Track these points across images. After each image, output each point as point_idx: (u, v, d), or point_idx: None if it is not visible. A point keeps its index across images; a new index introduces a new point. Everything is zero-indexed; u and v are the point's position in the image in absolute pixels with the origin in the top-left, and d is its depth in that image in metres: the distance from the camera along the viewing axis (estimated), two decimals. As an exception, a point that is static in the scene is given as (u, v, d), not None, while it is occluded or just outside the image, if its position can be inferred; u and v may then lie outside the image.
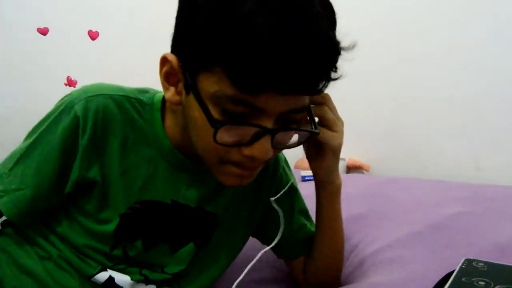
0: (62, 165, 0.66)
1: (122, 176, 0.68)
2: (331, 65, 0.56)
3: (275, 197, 0.75)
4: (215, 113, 0.55)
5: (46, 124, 0.66)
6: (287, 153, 0.78)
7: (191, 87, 0.57)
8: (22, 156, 0.67)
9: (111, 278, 0.71)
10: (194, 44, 0.55)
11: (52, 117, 0.66)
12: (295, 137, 0.65)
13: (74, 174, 0.66)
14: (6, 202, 0.67)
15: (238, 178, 0.63)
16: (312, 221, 0.86)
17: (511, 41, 1.51)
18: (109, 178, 0.67)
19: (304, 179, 1.43)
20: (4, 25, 1.80)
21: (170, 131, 0.69)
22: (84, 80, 1.97)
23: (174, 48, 0.60)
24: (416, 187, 1.33)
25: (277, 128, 0.57)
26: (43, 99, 1.83)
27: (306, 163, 0.78)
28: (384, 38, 1.72)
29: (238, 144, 0.58)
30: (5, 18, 1.79)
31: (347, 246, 0.92)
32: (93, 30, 2.00)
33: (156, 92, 0.71)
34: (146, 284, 0.74)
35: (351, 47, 0.57)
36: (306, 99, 0.59)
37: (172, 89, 0.62)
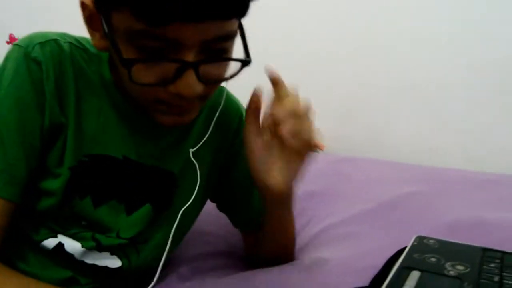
0: (40, 116, 0.60)
1: (75, 126, 0.63)
2: None
3: (194, 149, 0.70)
4: (131, 53, 0.52)
5: (3, 84, 0.59)
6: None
7: (104, 27, 0.54)
8: None
9: (60, 244, 0.65)
10: None
11: (8, 72, 0.59)
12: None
13: (45, 123, 0.60)
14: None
15: (174, 117, 0.59)
16: None
17: (472, 25, 1.53)
18: (67, 126, 0.62)
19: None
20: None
21: (119, 83, 0.64)
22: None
23: None
24: (371, 167, 1.34)
25: (198, 60, 0.52)
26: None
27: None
28: (346, 19, 1.70)
29: (163, 83, 0.54)
30: None
31: (299, 222, 0.91)
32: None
33: None
34: (100, 252, 0.68)
35: None
36: (232, 25, 0.54)
37: (97, 34, 0.58)
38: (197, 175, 0.71)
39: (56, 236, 0.65)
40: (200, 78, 0.53)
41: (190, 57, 0.52)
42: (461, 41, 1.54)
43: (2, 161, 0.59)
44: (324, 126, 1.75)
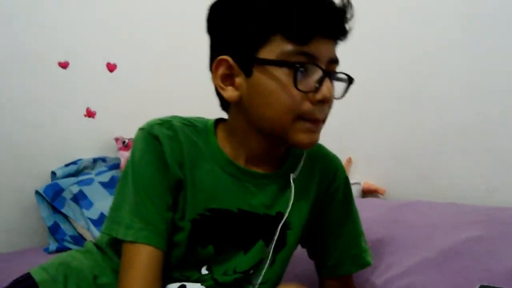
0: (166, 176, 0.74)
1: (192, 185, 0.75)
2: (351, 12, 0.70)
3: (296, 174, 0.80)
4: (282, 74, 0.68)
5: (136, 159, 0.75)
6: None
7: (256, 61, 0.69)
8: (131, 202, 0.73)
9: (183, 286, 0.78)
10: (248, 29, 0.69)
11: (137, 147, 0.75)
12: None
13: (171, 182, 0.74)
14: (147, 235, 0.72)
15: (310, 134, 0.71)
16: (368, 252, 0.90)
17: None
18: (186, 184, 0.75)
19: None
20: (25, 58, 1.85)
21: (225, 149, 0.78)
22: (103, 111, 2.04)
23: (222, 50, 0.72)
24: (429, 210, 1.33)
25: (330, 71, 0.70)
26: (62, 128, 1.93)
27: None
28: (396, 55, 1.73)
29: (310, 92, 0.68)
30: (25, 51, 1.85)
31: (361, 274, 0.93)
32: (111, 63, 2.07)
33: (205, 120, 0.81)
34: None
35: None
36: (337, 52, 0.72)
37: (229, 88, 0.73)
38: (310, 213, 0.84)
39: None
40: (333, 88, 0.71)
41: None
42: None
43: (146, 219, 0.72)
44: (379, 171, 1.79)
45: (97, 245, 0.87)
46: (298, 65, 0.66)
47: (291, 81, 0.67)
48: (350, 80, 0.73)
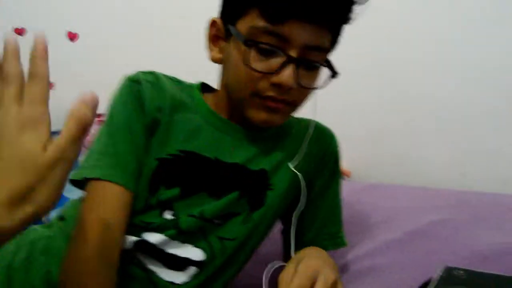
0: (142, 116, 0.70)
1: (166, 126, 0.72)
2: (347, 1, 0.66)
3: (295, 163, 0.78)
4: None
5: (113, 101, 0.72)
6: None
7: (231, 31, 0.68)
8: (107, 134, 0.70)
9: (141, 240, 0.69)
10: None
11: (115, 96, 0.72)
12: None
13: (147, 120, 0.70)
14: (115, 173, 0.66)
15: (267, 113, 0.69)
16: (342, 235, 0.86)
17: (500, 50, 1.51)
18: (161, 123, 0.72)
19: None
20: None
21: (208, 102, 0.77)
22: (61, 82, 1.93)
23: (219, 14, 0.72)
24: (399, 194, 1.30)
25: (300, 57, 0.65)
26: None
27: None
28: (374, 40, 1.70)
29: (269, 73, 0.66)
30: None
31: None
32: (73, 32, 1.96)
33: (191, 82, 0.80)
34: (182, 242, 0.70)
35: None
36: (327, 40, 0.67)
37: (216, 49, 0.73)
38: (293, 180, 0.78)
39: (139, 236, 0.69)
40: (297, 75, 0.66)
41: (294, 55, 0.65)
42: (491, 65, 1.52)
43: (116, 156, 0.67)
44: (350, 153, 1.75)
45: (61, 217, 0.78)
46: (249, 43, 0.65)
47: (248, 58, 0.66)
48: (333, 72, 0.71)
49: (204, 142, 0.73)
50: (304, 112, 0.78)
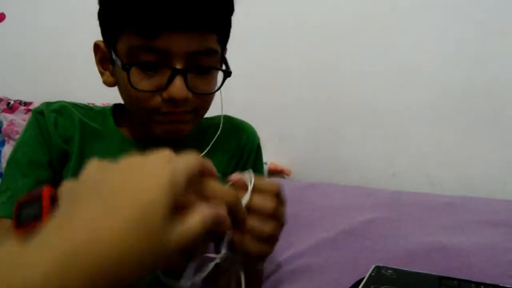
0: (47, 150, 0.69)
1: (78, 159, 0.70)
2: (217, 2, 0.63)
3: (204, 152, 0.76)
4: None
5: (19, 143, 0.71)
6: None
7: (113, 53, 0.65)
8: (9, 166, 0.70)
9: None
10: (106, 20, 0.66)
11: (20, 136, 0.72)
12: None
13: (53, 155, 0.69)
14: (9, 207, 0.66)
15: (172, 124, 0.66)
16: None
17: (431, 45, 1.56)
18: (71, 157, 0.70)
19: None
20: None
21: (122, 130, 0.74)
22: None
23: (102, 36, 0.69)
24: (334, 192, 1.32)
25: (185, 68, 0.62)
26: None
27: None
28: (309, 40, 1.71)
29: (157, 90, 0.63)
30: None
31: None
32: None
33: (105, 106, 0.78)
34: None
35: None
36: (211, 41, 0.64)
37: (107, 72, 0.71)
38: None
39: None
40: (188, 85, 0.63)
41: (178, 66, 0.62)
42: (423, 63, 1.57)
43: (13, 190, 0.67)
44: (290, 152, 1.76)
45: None
46: (127, 67, 0.62)
47: (133, 79, 0.63)
48: (226, 74, 0.68)
49: None
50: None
